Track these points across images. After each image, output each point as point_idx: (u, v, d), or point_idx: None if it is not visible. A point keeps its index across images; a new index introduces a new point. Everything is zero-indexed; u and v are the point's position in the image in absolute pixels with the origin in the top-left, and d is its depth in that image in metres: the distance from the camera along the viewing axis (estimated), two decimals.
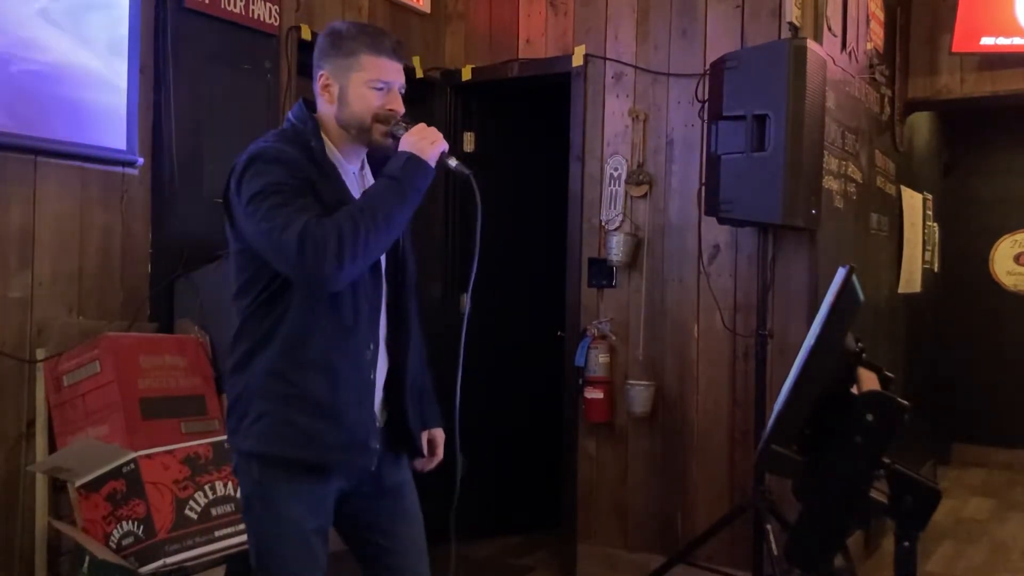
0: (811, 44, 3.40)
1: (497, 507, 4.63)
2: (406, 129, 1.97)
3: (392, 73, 2.01)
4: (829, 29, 3.92)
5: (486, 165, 4.24)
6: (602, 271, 4.14)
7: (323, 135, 2.01)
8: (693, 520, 3.90)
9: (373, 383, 2.01)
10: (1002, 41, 4.81)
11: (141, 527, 2.65)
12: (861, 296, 1.98)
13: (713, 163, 3.52)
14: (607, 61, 4.17)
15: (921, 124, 6.03)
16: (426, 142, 1.94)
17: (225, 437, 2.08)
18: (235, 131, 3.40)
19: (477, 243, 2.01)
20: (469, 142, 4.63)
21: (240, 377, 1.96)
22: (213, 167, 3.33)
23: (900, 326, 5.38)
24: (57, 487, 2.90)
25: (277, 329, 1.92)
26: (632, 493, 4.08)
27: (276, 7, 3.67)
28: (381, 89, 1.99)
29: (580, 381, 4.10)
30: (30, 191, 2.93)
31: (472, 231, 2.02)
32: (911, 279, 5.61)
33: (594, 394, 4.04)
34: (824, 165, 3.67)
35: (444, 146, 1.97)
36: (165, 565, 2.62)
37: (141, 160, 3.22)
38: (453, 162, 2.00)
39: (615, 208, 4.12)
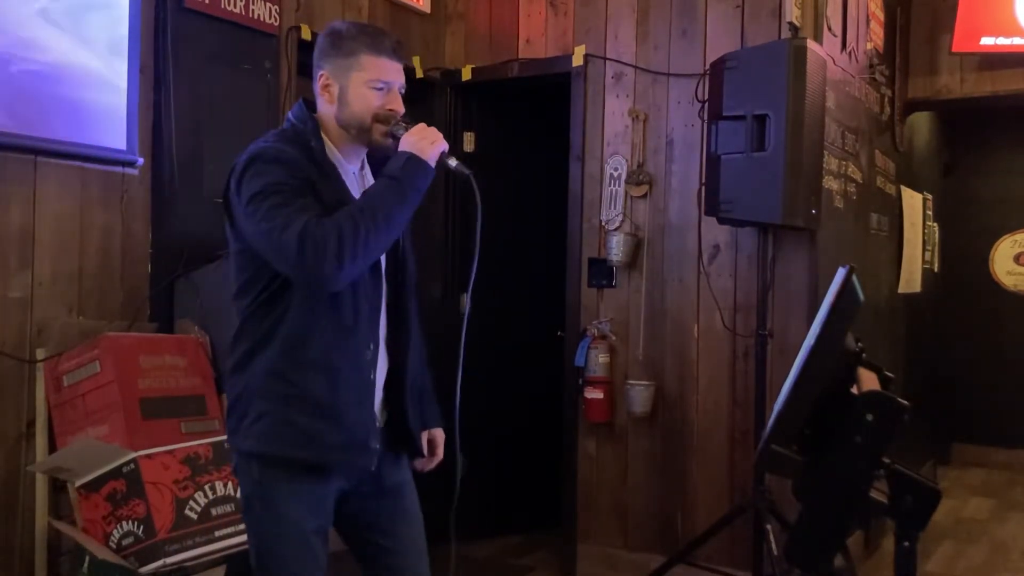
0: (811, 44, 3.40)
1: (497, 507, 4.63)
2: (406, 129, 1.97)
3: (392, 73, 2.01)
4: (829, 29, 3.92)
5: (486, 165, 4.24)
6: (602, 271, 4.14)
7: (323, 135, 2.01)
8: (693, 520, 3.90)
9: (373, 383, 2.01)
10: (1002, 41, 4.81)
11: (141, 527, 2.65)
12: (861, 296, 1.98)
13: (713, 163, 3.52)
14: (607, 61, 4.17)
15: (921, 124, 6.03)
16: (426, 142, 1.94)
17: (225, 437, 2.08)
18: (235, 131, 3.40)
19: (477, 243, 2.01)
20: (469, 142, 4.63)
21: (240, 377, 1.96)
22: (213, 167, 3.33)
23: (900, 326, 5.38)
24: (57, 487, 2.90)
25: (277, 329, 1.92)
26: (632, 493, 4.08)
27: (276, 7, 3.67)
28: (381, 89, 1.99)
29: (580, 381, 4.10)
30: (30, 191, 2.93)
31: (472, 231, 2.02)
32: (911, 279, 5.61)
33: (594, 394, 4.04)
34: (824, 165, 3.67)
35: (444, 146, 1.97)
36: (165, 565, 2.62)
37: (141, 160, 3.22)
38: (453, 162, 2.00)
39: (615, 208, 4.12)
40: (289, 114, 2.05)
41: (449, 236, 4.60)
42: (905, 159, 5.43)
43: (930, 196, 6.25)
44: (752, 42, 3.77)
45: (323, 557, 1.98)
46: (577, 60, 4.22)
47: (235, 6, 3.50)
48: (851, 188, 4.23)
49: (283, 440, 1.91)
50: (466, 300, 2.37)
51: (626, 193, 4.09)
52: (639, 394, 3.96)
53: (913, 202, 5.65)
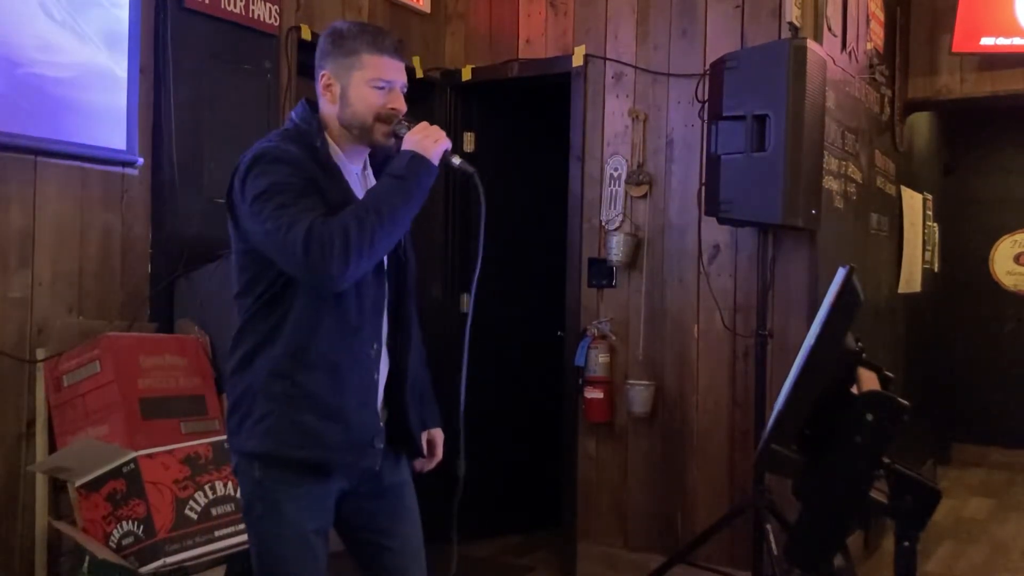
0: (811, 44, 3.40)
1: (497, 507, 4.63)
2: (408, 128, 1.97)
3: (393, 72, 2.00)
4: (829, 29, 3.92)
5: (486, 165, 4.18)
6: (602, 271, 4.14)
7: (326, 135, 2.01)
8: (693, 520, 3.90)
9: (376, 383, 2.01)
10: (1002, 41, 4.81)
11: (141, 527, 2.65)
12: (861, 296, 1.98)
13: (713, 163, 3.52)
14: (607, 61, 4.17)
15: (921, 124, 6.03)
16: (429, 140, 1.94)
17: (225, 437, 2.08)
18: (235, 131, 3.40)
19: (481, 241, 2.00)
20: (469, 142, 4.63)
21: (242, 377, 1.95)
22: (213, 167, 3.33)
23: (900, 326, 5.38)
24: (57, 487, 2.90)
25: (280, 329, 1.91)
26: (632, 493, 4.08)
27: (276, 7, 3.67)
28: (383, 88, 1.98)
29: (580, 381, 4.10)
30: (30, 191, 2.93)
31: (473, 231, 2.02)
32: (911, 279, 5.61)
33: (594, 394, 4.04)
34: (824, 165, 3.67)
35: (447, 144, 1.96)
36: (165, 565, 2.62)
37: (141, 160, 3.22)
38: (456, 160, 1.99)
39: (615, 208, 4.12)
40: (292, 114, 2.04)
41: (449, 236, 4.59)
42: (905, 159, 5.43)
43: (930, 196, 6.25)
44: (752, 42, 3.77)
45: (323, 557, 1.98)
46: (577, 60, 4.22)
47: (235, 6, 3.50)
48: (851, 188, 4.23)
49: (287, 440, 1.90)
50: (467, 300, 2.37)
51: (626, 193, 4.09)
52: (639, 394, 3.96)
53: (913, 202, 5.66)
